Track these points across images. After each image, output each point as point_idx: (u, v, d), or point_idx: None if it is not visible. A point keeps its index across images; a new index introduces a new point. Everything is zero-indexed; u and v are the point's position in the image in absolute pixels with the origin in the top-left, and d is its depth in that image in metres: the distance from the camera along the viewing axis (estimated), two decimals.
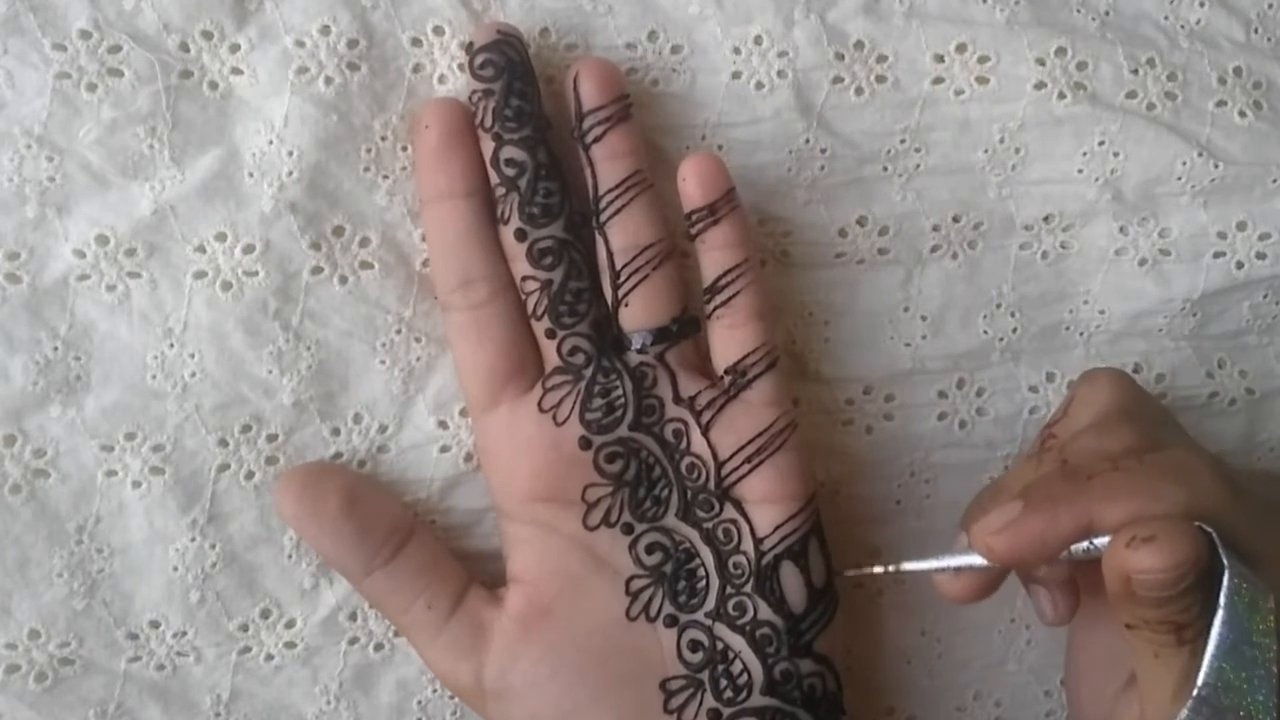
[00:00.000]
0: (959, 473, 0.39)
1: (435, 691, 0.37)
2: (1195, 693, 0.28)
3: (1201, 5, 0.39)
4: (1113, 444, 0.31)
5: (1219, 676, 0.28)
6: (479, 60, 0.33)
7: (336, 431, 0.35)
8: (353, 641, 0.36)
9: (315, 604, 0.36)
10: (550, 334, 0.34)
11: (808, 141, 0.37)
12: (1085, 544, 0.30)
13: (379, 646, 0.36)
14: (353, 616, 0.36)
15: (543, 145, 0.33)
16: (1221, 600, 0.28)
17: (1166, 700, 0.29)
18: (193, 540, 0.35)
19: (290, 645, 0.36)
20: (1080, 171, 0.38)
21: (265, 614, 0.35)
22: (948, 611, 0.40)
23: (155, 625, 0.35)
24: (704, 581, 0.34)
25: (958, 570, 0.32)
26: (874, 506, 0.39)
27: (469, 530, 0.36)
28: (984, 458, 0.39)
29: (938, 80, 0.37)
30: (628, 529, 0.34)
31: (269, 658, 0.36)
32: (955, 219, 0.38)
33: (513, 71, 0.33)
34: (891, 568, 0.34)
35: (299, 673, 0.36)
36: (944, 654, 0.40)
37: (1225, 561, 0.28)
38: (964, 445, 0.39)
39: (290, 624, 0.36)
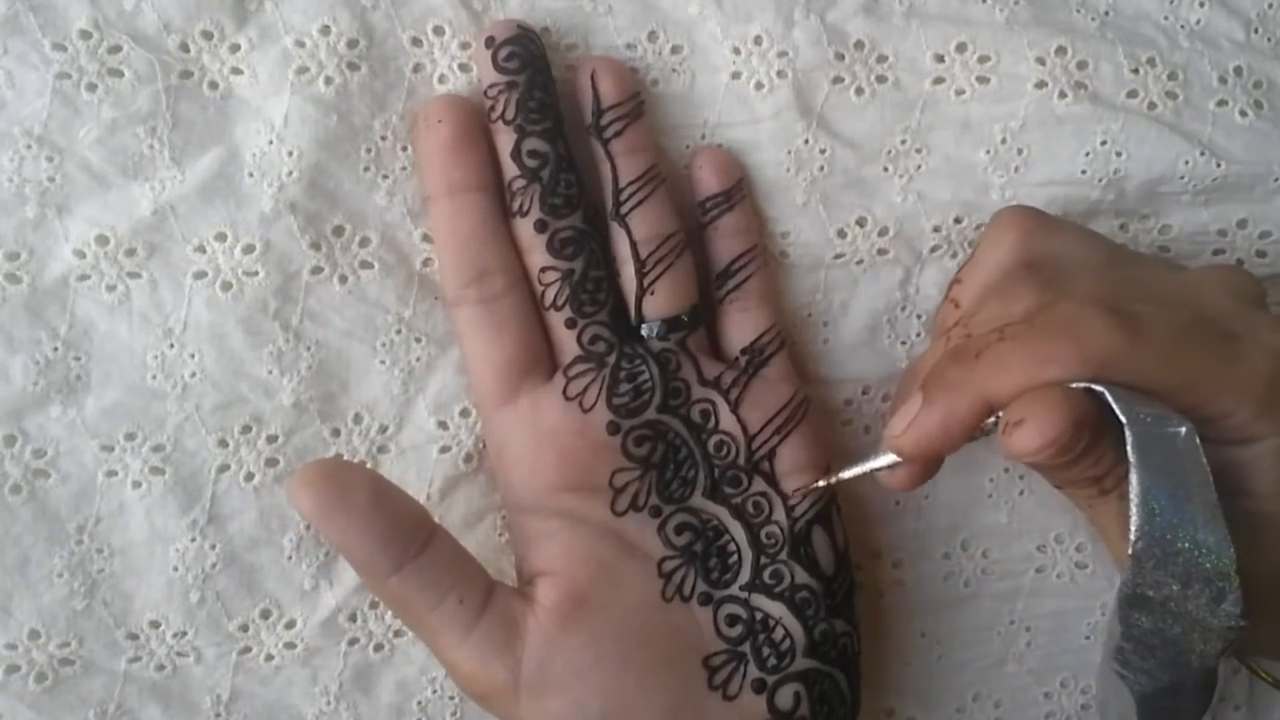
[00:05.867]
0: (958, 472, 0.39)
1: (435, 692, 0.37)
2: (1133, 539, 0.28)
3: (1201, 5, 0.39)
4: (1015, 306, 0.31)
5: (1151, 520, 0.28)
6: (504, 52, 0.33)
7: (336, 432, 0.35)
8: (353, 642, 0.36)
9: (315, 604, 0.36)
10: (571, 323, 0.34)
11: (807, 141, 0.37)
12: (993, 420, 0.30)
13: (379, 647, 0.36)
14: (353, 617, 0.36)
15: (561, 138, 0.34)
16: (1130, 457, 0.28)
17: (1120, 543, 0.29)
18: (193, 540, 0.35)
19: (290, 646, 0.36)
20: (1084, 173, 0.38)
21: (265, 614, 0.35)
22: (947, 613, 0.40)
23: (155, 625, 0.35)
24: (736, 556, 0.35)
25: (891, 467, 0.32)
26: (874, 506, 0.39)
27: (469, 530, 0.36)
28: (983, 457, 0.39)
29: (938, 80, 0.37)
30: (656, 511, 0.34)
31: (269, 658, 0.36)
32: (957, 220, 0.38)
33: (535, 65, 0.34)
34: (833, 479, 0.34)
35: (299, 673, 0.36)
36: (944, 655, 0.40)
37: (1124, 419, 0.28)
38: None
39: (290, 624, 0.36)
